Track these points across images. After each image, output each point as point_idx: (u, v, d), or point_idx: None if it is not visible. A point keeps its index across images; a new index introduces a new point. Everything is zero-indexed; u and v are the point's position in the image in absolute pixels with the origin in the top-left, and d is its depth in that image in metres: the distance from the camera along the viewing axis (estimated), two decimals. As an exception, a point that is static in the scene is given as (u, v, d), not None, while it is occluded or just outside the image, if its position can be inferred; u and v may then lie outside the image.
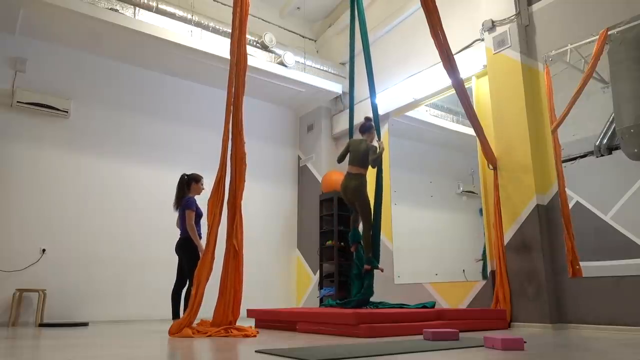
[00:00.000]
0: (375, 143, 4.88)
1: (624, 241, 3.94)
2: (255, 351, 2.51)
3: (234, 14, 4.15)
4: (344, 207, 6.73)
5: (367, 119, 5.05)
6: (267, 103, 8.33)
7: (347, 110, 7.65)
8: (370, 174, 4.88)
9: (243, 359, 2.31)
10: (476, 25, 5.46)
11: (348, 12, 5.76)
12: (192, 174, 5.11)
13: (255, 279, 7.28)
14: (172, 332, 3.54)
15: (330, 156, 7.95)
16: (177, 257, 4.97)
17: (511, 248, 4.66)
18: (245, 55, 4.15)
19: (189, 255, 4.72)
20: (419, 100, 6.44)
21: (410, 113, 6.68)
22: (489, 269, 5.06)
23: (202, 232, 4.69)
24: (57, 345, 2.98)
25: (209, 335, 3.51)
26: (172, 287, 4.83)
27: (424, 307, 4.49)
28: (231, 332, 3.55)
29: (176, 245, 4.93)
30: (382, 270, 4.85)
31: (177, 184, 5.11)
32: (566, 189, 4.42)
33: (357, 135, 5.10)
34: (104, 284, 6.19)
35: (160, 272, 6.55)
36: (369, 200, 4.76)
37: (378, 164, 4.82)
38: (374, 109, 5.28)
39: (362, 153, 4.75)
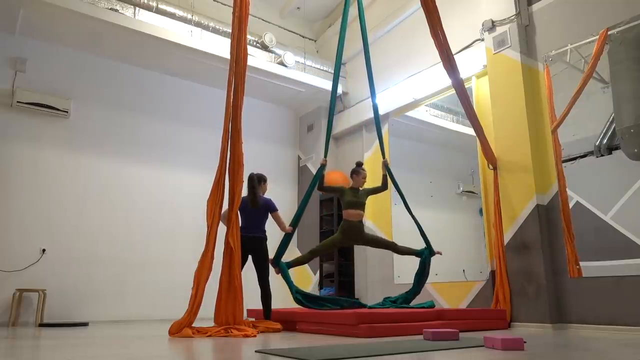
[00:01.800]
0: (360, 181, 4.89)
1: (624, 241, 3.93)
2: (255, 351, 2.51)
3: (233, 13, 4.15)
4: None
5: (359, 164, 4.96)
6: (267, 103, 8.33)
7: (347, 111, 7.71)
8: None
9: (243, 359, 2.31)
10: (476, 25, 5.46)
11: (349, 12, 5.74)
12: (259, 174, 4.65)
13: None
14: (172, 332, 3.54)
15: (330, 156, 7.89)
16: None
17: (511, 248, 4.66)
18: (245, 55, 4.15)
19: (265, 256, 4.47)
20: (419, 100, 6.44)
21: (410, 113, 6.68)
22: (488, 269, 5.06)
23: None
24: (57, 345, 2.98)
25: (209, 335, 3.51)
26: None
27: (422, 307, 4.49)
28: (231, 332, 3.55)
29: (247, 243, 4.25)
30: (440, 253, 4.90)
31: (247, 183, 4.47)
32: (566, 189, 4.42)
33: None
34: (104, 284, 6.19)
35: (160, 272, 6.57)
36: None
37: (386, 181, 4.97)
38: (375, 109, 5.26)
39: (363, 201, 4.81)
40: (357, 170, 4.84)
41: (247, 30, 4.21)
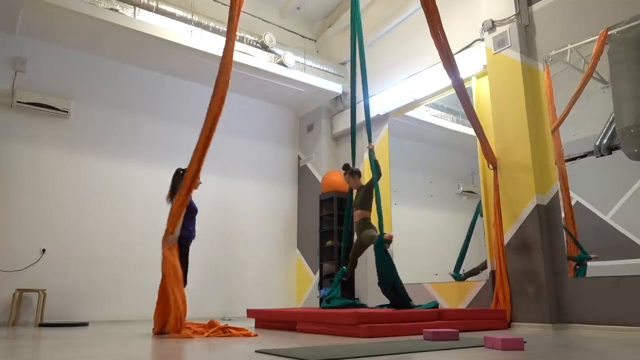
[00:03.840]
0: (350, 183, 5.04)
1: (624, 241, 3.94)
2: (255, 351, 2.51)
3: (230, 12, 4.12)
4: (344, 207, 6.74)
5: (345, 167, 5.05)
6: (267, 103, 8.33)
7: (348, 111, 7.68)
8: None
9: (243, 359, 2.31)
10: (476, 25, 5.46)
11: (348, 12, 5.74)
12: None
13: (255, 279, 7.29)
14: (170, 329, 3.53)
15: (330, 156, 7.95)
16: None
17: (511, 248, 4.66)
18: (233, 41, 4.01)
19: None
20: (419, 100, 6.44)
21: (410, 113, 6.68)
22: (488, 269, 5.06)
23: (195, 229, 4.60)
24: (57, 345, 2.98)
25: (207, 336, 3.51)
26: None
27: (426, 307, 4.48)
28: (230, 332, 3.56)
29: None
30: (390, 236, 4.37)
31: (172, 177, 4.73)
32: (565, 190, 4.42)
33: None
34: (104, 284, 6.18)
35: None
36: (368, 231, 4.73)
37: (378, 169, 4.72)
38: (366, 109, 5.14)
39: (361, 200, 4.80)
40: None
41: (239, 19, 4.05)
